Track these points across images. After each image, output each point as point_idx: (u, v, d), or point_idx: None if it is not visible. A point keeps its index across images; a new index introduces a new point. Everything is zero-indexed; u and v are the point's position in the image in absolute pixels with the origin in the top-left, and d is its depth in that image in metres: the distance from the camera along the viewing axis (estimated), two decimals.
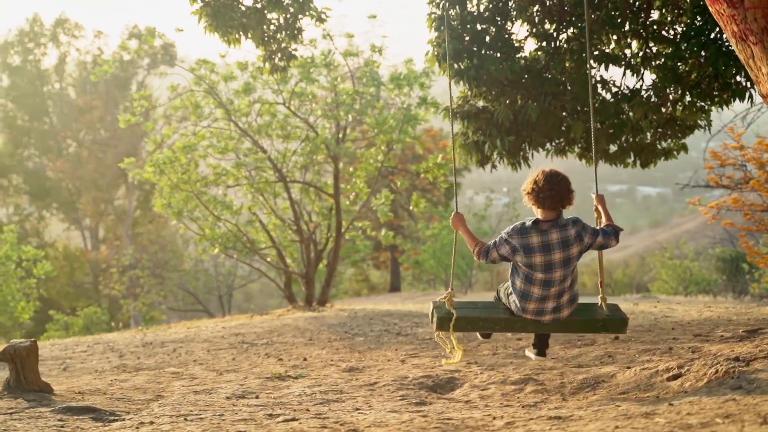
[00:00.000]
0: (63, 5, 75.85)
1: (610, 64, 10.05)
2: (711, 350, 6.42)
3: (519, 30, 10.41)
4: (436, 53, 10.05)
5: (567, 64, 10.19)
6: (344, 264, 37.86)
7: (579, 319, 5.39)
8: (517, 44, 10.20)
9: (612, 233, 5.29)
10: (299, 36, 10.20)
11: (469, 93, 10.21)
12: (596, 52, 10.44)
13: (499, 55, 9.97)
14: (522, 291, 5.19)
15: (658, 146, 10.74)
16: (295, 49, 10.50)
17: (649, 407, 4.26)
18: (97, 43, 47.31)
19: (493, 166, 10.83)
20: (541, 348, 5.81)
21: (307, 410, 5.08)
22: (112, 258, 35.39)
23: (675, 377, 5.61)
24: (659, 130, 10.56)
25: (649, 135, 10.81)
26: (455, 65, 9.98)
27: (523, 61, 10.11)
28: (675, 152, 10.75)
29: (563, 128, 10.32)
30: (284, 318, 12.91)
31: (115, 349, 10.26)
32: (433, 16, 10.13)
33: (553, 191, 5.06)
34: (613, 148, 10.87)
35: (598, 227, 5.41)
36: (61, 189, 44.69)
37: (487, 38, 10.00)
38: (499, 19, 9.93)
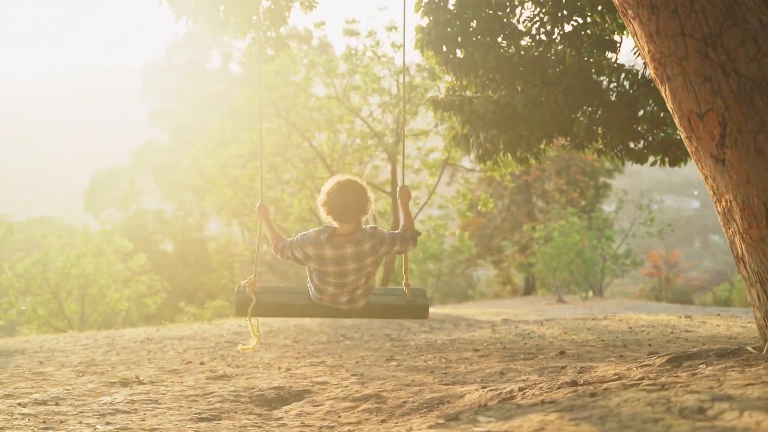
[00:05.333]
0: None
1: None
2: (595, 372, 5.47)
3: (521, 13, 9.60)
4: (422, 40, 9.36)
5: (568, 51, 9.26)
6: (483, 265, 37.10)
7: (381, 305, 5.46)
8: (511, 31, 9.38)
9: (409, 238, 5.17)
10: (283, 21, 9.76)
11: (456, 83, 9.47)
12: (606, 38, 9.48)
13: (487, 41, 9.20)
14: (316, 287, 5.17)
15: None
16: (286, 38, 10.09)
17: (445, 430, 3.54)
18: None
19: (495, 163, 9.98)
20: None
21: (78, 422, 4.63)
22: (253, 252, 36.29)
23: (510, 398, 4.85)
24: None
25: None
26: (441, 52, 9.33)
27: (512, 49, 9.28)
28: None
29: (564, 122, 9.38)
30: (304, 319, 12.52)
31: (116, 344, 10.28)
32: (422, 0, 9.51)
33: (346, 204, 4.84)
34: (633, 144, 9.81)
35: (397, 231, 5.22)
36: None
37: (474, 23, 9.25)
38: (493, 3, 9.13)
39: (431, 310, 15.66)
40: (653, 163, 9.91)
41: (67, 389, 5.49)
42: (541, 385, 5.01)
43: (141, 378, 6.11)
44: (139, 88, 52.82)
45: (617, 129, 9.37)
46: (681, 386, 3.36)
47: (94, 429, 4.23)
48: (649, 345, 7.85)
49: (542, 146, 9.91)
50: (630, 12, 5.20)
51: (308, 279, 5.24)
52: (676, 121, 5.20)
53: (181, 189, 48.74)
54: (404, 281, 5.48)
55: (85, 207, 54.07)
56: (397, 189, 5.37)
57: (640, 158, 9.84)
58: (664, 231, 29.55)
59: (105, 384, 5.81)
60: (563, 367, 5.99)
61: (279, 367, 6.86)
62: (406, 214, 5.31)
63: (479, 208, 16.75)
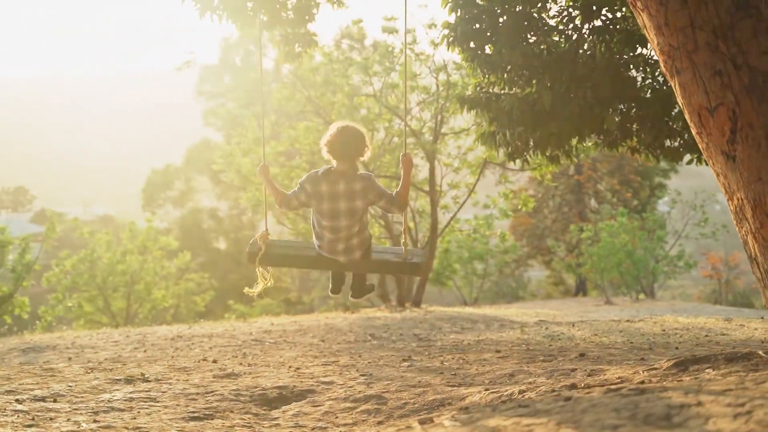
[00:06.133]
0: None
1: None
2: (601, 376, 5.31)
3: (550, 8, 9.43)
4: (449, 36, 9.24)
5: (598, 46, 9.07)
6: (535, 266, 36.75)
7: (378, 260, 5.74)
8: (543, 28, 9.21)
9: (395, 202, 5.48)
10: (311, 18, 9.73)
11: (483, 79, 9.33)
12: (637, 34, 9.26)
13: (514, 37, 9.05)
14: (316, 233, 5.54)
15: None
16: (315, 34, 10.05)
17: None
18: None
19: (525, 161, 9.81)
20: (355, 289, 6.13)
21: (62, 419, 4.63)
22: None
23: (507, 401, 4.72)
24: None
25: None
26: (469, 49, 9.21)
27: (543, 45, 9.11)
28: None
29: (594, 119, 9.18)
30: (338, 317, 12.51)
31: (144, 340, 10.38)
32: None
33: (345, 143, 5.37)
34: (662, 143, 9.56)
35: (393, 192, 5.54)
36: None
37: (502, 19, 9.10)
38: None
39: (469, 309, 15.52)
40: (689, 162, 9.64)
41: (69, 386, 5.50)
42: (541, 387, 4.89)
43: (146, 375, 6.10)
44: (194, 87, 53.41)
45: (651, 126, 9.14)
46: (659, 391, 3.21)
47: (79, 426, 4.21)
48: (676, 348, 7.62)
49: (574, 144, 9.73)
50: (639, 3, 5.04)
51: (311, 224, 5.58)
52: (687, 116, 5.03)
53: (234, 187, 49.28)
54: (402, 241, 5.77)
55: (142, 205, 54.99)
56: (401, 155, 5.52)
57: (675, 157, 9.59)
58: (719, 232, 28.85)
59: (109, 381, 5.82)
60: (573, 370, 5.83)
61: (289, 366, 6.80)
62: (404, 182, 5.51)
63: (520, 208, 16.55)
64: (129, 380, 5.90)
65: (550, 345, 8.38)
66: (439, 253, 21.89)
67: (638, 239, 24.41)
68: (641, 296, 25.17)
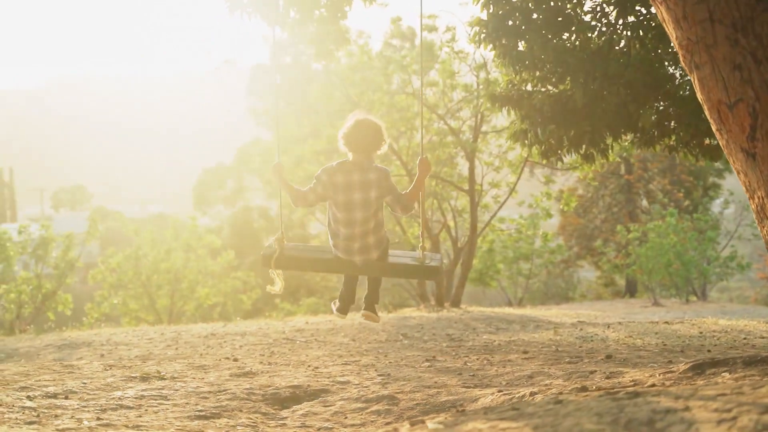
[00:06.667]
0: None
1: None
2: (618, 378, 5.19)
3: (586, 3, 9.27)
4: (480, 33, 9.12)
5: (632, 43, 8.89)
6: (585, 266, 36.29)
7: (394, 263, 5.53)
8: (575, 23, 9.05)
9: (401, 203, 5.36)
10: (343, 15, 9.68)
11: (515, 76, 9.20)
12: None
13: (545, 33, 8.91)
14: (332, 229, 5.39)
15: None
16: (347, 31, 10.02)
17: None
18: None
19: (559, 159, 9.66)
20: (369, 302, 5.79)
21: (62, 416, 4.67)
22: None
23: (516, 402, 4.63)
24: None
25: None
26: (500, 45, 9.09)
27: (578, 42, 8.96)
28: None
29: (629, 117, 8.99)
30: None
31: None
32: None
33: (361, 136, 5.27)
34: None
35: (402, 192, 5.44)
36: None
37: (534, 15, 8.97)
38: None
39: (508, 310, 15.36)
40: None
41: (84, 383, 5.54)
42: (552, 390, 4.79)
43: (162, 373, 6.12)
44: (245, 87, 53.77)
45: (689, 124, 8.92)
46: (653, 395, 3.09)
47: (80, 424, 4.23)
48: (708, 351, 7.44)
49: (609, 142, 9.54)
50: None
51: (327, 226, 5.44)
52: (706, 112, 4.89)
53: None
54: (420, 245, 5.60)
55: (194, 204, 55.55)
56: (419, 159, 5.40)
57: (714, 156, 9.35)
58: None
59: (124, 378, 5.84)
60: (592, 372, 5.71)
61: (308, 366, 6.78)
62: (416, 184, 5.41)
63: (562, 207, 16.33)
64: (144, 378, 5.92)
65: (581, 346, 8.24)
66: (482, 253, 21.72)
67: (688, 240, 23.92)
68: (692, 298, 24.67)
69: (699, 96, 4.83)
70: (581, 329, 10.17)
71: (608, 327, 10.31)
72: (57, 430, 3.99)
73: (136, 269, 19.75)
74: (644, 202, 35.13)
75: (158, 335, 10.77)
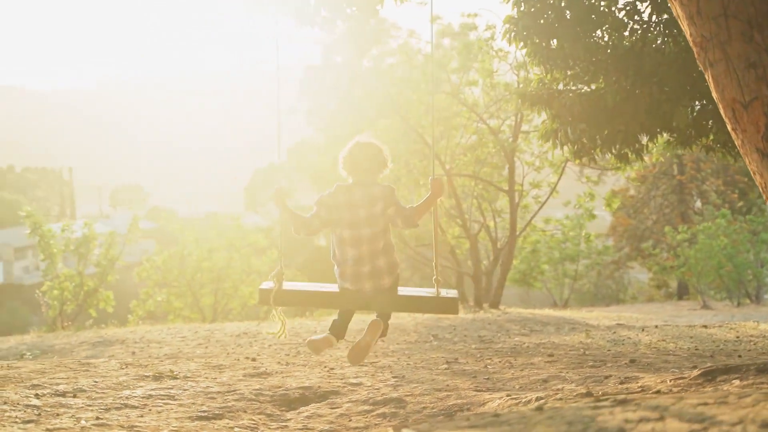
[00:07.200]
0: None
1: None
2: (630, 384, 5.06)
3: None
4: (510, 31, 9.02)
5: (666, 41, 8.71)
6: (636, 267, 35.76)
7: (409, 295, 5.13)
8: (609, 21, 8.89)
9: (402, 216, 5.02)
10: (374, 14, 9.62)
11: (546, 75, 9.08)
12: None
13: (577, 31, 8.77)
14: (338, 256, 5.09)
15: None
16: (382, 30, 9.98)
17: None
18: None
19: (592, 159, 9.51)
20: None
21: (62, 415, 4.69)
22: None
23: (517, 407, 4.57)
24: None
25: None
26: (532, 44, 8.98)
27: (612, 41, 8.80)
28: None
29: (664, 116, 8.80)
30: (408, 317, 12.40)
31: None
32: None
33: (360, 159, 5.07)
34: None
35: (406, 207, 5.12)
36: None
37: (567, 13, 8.83)
38: None
39: (548, 311, 15.16)
40: None
41: (95, 381, 5.57)
42: (559, 395, 4.69)
43: (175, 373, 6.14)
44: (298, 87, 54.12)
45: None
46: (635, 403, 2.99)
47: (77, 423, 4.25)
48: (739, 356, 7.24)
49: (645, 142, 9.36)
50: None
51: (334, 266, 5.11)
52: (721, 111, 4.74)
53: (329, 184, 49.57)
54: (434, 277, 5.20)
55: (245, 204, 56.15)
56: (430, 179, 5.13)
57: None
58: None
59: (137, 377, 5.87)
60: (607, 377, 5.59)
61: (325, 366, 6.74)
62: (425, 202, 5.09)
63: (604, 207, 16.10)
64: (157, 377, 5.94)
65: (609, 350, 8.08)
66: (525, 254, 21.52)
67: (740, 242, 23.37)
68: (746, 301, 24.08)
69: (714, 95, 4.69)
70: (614, 332, 9.99)
71: (642, 330, 10.11)
72: (49, 429, 4.00)
73: (180, 267, 19.94)
74: (698, 203, 34.48)
75: (191, 333, 10.85)
